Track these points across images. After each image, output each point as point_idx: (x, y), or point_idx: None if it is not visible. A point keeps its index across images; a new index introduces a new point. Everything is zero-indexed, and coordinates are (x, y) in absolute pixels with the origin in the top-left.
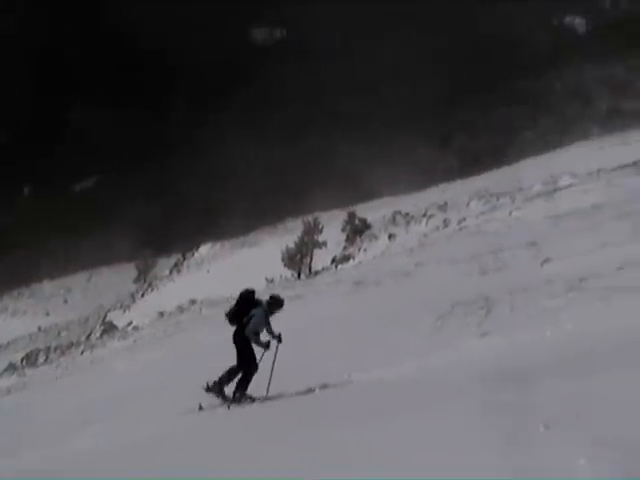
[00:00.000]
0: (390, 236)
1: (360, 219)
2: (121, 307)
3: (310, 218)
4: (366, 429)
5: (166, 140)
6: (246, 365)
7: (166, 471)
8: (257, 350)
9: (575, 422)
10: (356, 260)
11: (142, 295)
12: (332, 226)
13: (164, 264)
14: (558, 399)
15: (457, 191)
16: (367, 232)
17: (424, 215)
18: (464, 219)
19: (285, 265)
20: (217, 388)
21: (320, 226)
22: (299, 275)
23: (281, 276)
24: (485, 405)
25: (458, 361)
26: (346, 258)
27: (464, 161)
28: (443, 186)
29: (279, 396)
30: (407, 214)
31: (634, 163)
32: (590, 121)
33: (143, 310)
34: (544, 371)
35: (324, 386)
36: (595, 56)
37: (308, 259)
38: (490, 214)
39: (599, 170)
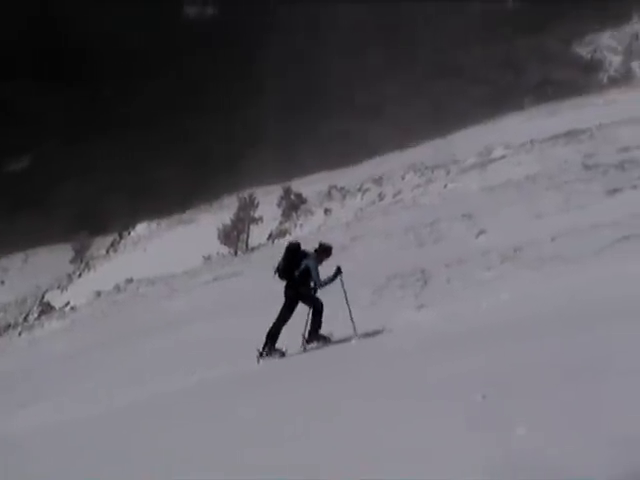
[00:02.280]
0: (326, 211)
1: (296, 194)
2: (58, 287)
3: (245, 194)
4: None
5: (100, 118)
6: (313, 306)
7: (103, 449)
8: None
9: (512, 391)
10: (292, 235)
11: (79, 275)
12: (268, 202)
13: (100, 244)
14: (495, 368)
15: (392, 164)
16: (303, 207)
17: (359, 189)
18: (399, 192)
19: (222, 242)
20: (268, 348)
21: (256, 202)
22: (236, 252)
23: (218, 253)
24: (422, 373)
25: (395, 332)
26: (282, 233)
27: (399, 134)
28: (378, 159)
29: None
30: (342, 188)
31: (566, 133)
32: (522, 92)
33: (80, 290)
34: (480, 340)
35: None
36: (526, 27)
37: (244, 235)
38: (425, 187)
39: (532, 141)
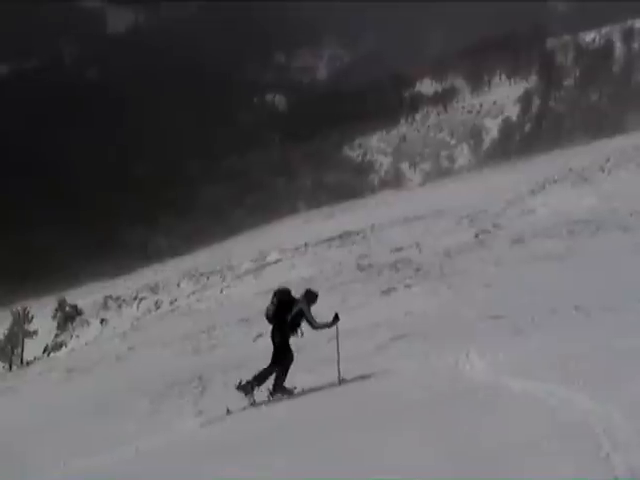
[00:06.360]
0: (102, 321)
1: (71, 305)
2: None
3: (19, 307)
4: None
5: None
6: (282, 358)
7: None
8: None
9: None
10: (69, 347)
11: None
12: (43, 315)
13: None
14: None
15: (168, 272)
16: (79, 318)
17: (135, 298)
18: (176, 299)
19: None
20: (248, 388)
21: (30, 315)
22: (10, 366)
23: None
24: None
25: (174, 442)
26: (58, 346)
27: (173, 242)
28: (154, 267)
29: None
30: (118, 298)
31: (340, 235)
32: (296, 196)
33: None
34: (263, 444)
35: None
36: (297, 132)
37: (19, 349)
38: (201, 293)
39: (306, 244)
